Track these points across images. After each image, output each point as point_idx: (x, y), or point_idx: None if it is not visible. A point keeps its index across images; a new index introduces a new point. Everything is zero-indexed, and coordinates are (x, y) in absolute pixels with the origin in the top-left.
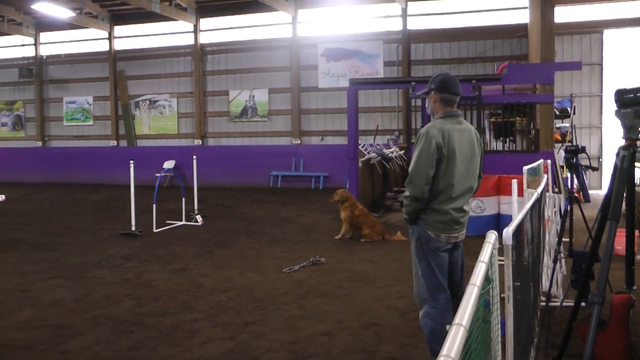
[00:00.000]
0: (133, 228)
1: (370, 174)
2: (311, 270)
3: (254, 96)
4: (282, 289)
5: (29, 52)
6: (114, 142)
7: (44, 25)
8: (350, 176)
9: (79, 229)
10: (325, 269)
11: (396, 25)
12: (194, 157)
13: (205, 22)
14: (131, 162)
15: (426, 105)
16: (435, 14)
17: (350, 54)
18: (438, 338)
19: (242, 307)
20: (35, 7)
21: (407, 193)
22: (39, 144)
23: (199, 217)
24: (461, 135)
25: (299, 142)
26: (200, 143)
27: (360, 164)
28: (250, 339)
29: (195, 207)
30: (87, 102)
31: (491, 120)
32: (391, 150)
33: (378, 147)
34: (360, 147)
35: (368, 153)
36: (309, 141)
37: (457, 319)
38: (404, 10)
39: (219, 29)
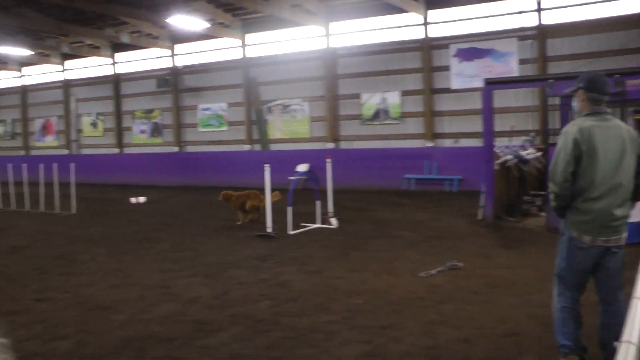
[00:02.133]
0: (269, 230)
1: (506, 177)
2: (448, 274)
3: (385, 99)
4: (419, 293)
5: (166, 63)
6: (247, 147)
7: (178, 37)
8: (485, 179)
9: (215, 229)
10: (462, 274)
11: (530, 21)
12: (328, 160)
13: (335, 26)
14: (266, 166)
15: (572, 104)
16: (572, 5)
17: (483, 53)
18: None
19: (379, 310)
20: (170, 20)
21: (549, 190)
22: (176, 149)
23: (333, 220)
24: (605, 132)
25: (432, 144)
26: (333, 146)
27: (496, 167)
28: (387, 342)
29: (330, 210)
30: (222, 109)
31: (635, 117)
32: (527, 152)
33: (514, 148)
34: (495, 149)
35: (504, 155)
36: (442, 143)
37: (625, 336)
38: (539, 3)
39: (349, 33)
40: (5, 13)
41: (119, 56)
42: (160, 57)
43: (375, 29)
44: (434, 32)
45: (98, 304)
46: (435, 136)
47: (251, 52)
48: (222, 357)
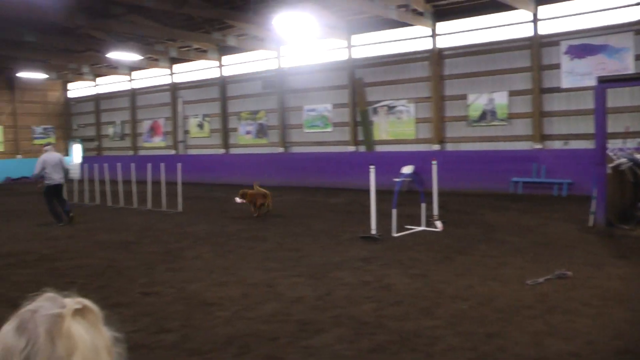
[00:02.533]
0: (373, 232)
1: (619, 181)
2: (556, 283)
3: (493, 99)
4: (526, 302)
5: (272, 64)
6: (352, 148)
7: (284, 39)
8: (597, 184)
9: (319, 230)
10: (572, 284)
11: None
12: (434, 162)
13: (442, 26)
14: (371, 167)
15: None
16: None
17: (596, 49)
18: None
19: (484, 318)
20: (276, 23)
21: None
22: (281, 150)
23: (438, 223)
24: None
25: (541, 146)
26: (439, 148)
27: (608, 171)
28: (493, 351)
29: (435, 212)
30: (327, 110)
31: None
32: None
33: (628, 151)
34: (608, 151)
35: (617, 158)
36: (551, 145)
37: None
38: None
39: (456, 32)
40: (116, 21)
41: (225, 59)
42: (266, 59)
43: (482, 28)
44: (544, 28)
45: (203, 300)
46: (544, 138)
47: (357, 53)
48: (325, 358)
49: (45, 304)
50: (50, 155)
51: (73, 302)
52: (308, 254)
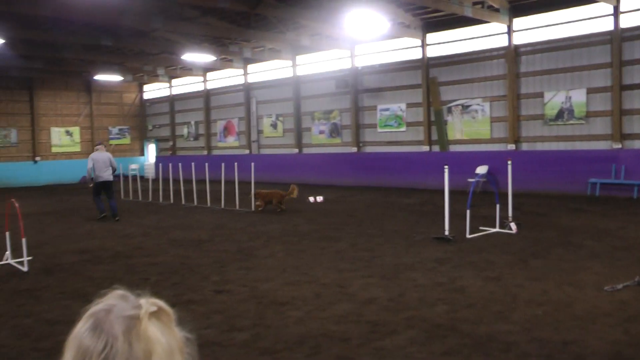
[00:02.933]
0: (446, 233)
1: None
2: (636, 290)
3: (570, 97)
4: (604, 309)
5: (346, 64)
6: (426, 148)
7: (358, 38)
8: None
9: (392, 231)
10: None
11: None
12: (509, 162)
13: (518, 22)
14: (445, 167)
15: None
16: None
17: None
18: None
19: (560, 324)
20: (350, 22)
21: None
22: (354, 149)
23: (512, 225)
24: None
25: (620, 146)
26: (514, 148)
27: None
28: None
29: (509, 214)
30: (400, 109)
31: None
32: None
33: None
34: None
35: None
36: (632, 145)
37: None
38: None
39: (532, 28)
40: (191, 23)
41: (299, 59)
42: (340, 58)
43: (560, 23)
44: (626, 21)
45: (275, 299)
46: (624, 137)
47: (431, 52)
48: None
49: (119, 304)
50: (100, 154)
51: (148, 303)
52: (381, 254)
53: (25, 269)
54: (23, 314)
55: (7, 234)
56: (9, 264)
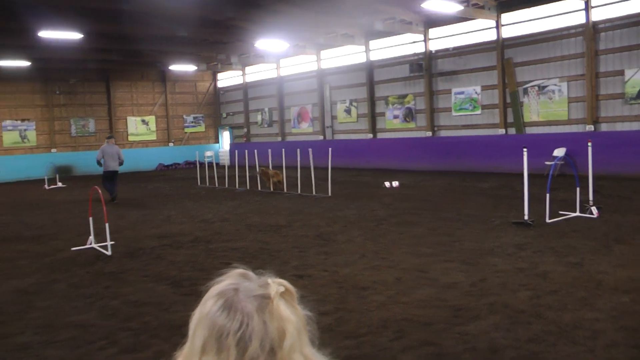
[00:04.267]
0: (525, 217)
1: None
2: None
3: None
4: None
5: (419, 48)
6: (502, 130)
7: (432, 21)
8: None
9: (470, 215)
10: None
11: None
12: (589, 144)
13: None
14: (524, 149)
15: None
16: None
17: None
18: None
19: None
20: (424, 5)
21: None
22: (429, 133)
23: (594, 209)
24: None
25: None
26: (592, 129)
27: None
28: None
29: (590, 197)
30: (475, 92)
31: None
32: None
33: None
34: None
35: None
36: None
37: None
38: None
39: (611, 3)
40: (264, 10)
41: (372, 43)
42: (414, 42)
43: None
44: None
45: (356, 284)
46: None
47: (507, 32)
48: (482, 346)
49: (245, 283)
50: (110, 147)
51: (275, 282)
52: (460, 239)
53: (108, 252)
54: (110, 296)
55: (90, 219)
56: (92, 247)
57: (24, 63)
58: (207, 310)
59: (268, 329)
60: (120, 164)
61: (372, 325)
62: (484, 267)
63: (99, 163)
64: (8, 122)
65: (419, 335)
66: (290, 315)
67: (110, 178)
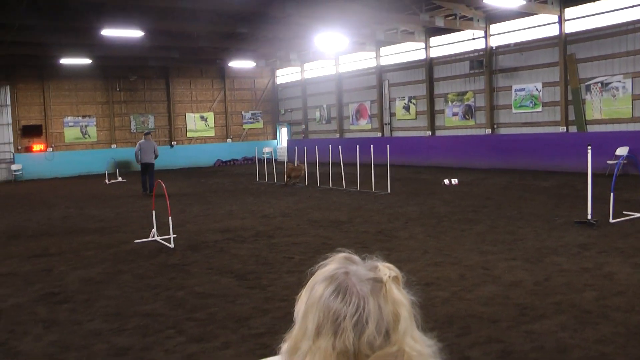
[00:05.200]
0: (589, 217)
1: None
2: None
3: None
4: None
5: (479, 44)
6: (562, 128)
7: (493, 17)
8: None
9: (531, 214)
10: None
11: None
12: None
13: None
14: (589, 147)
15: None
16: None
17: None
18: None
19: None
20: (486, 1)
21: None
22: (488, 131)
23: None
24: None
25: None
26: None
27: None
28: None
29: None
30: (536, 89)
31: None
32: None
33: None
34: None
35: None
36: None
37: None
38: None
39: None
40: (324, 7)
41: (432, 40)
42: (474, 38)
43: None
44: None
45: (419, 280)
46: None
47: (570, 27)
48: (549, 345)
49: (353, 267)
50: (146, 143)
51: (384, 266)
52: (522, 237)
53: (171, 245)
54: (175, 287)
55: (153, 212)
56: (155, 240)
57: (86, 61)
58: (319, 294)
59: (383, 312)
60: (155, 157)
61: (438, 320)
62: (547, 266)
63: (136, 156)
64: (70, 118)
65: (486, 332)
66: (402, 299)
67: (146, 170)
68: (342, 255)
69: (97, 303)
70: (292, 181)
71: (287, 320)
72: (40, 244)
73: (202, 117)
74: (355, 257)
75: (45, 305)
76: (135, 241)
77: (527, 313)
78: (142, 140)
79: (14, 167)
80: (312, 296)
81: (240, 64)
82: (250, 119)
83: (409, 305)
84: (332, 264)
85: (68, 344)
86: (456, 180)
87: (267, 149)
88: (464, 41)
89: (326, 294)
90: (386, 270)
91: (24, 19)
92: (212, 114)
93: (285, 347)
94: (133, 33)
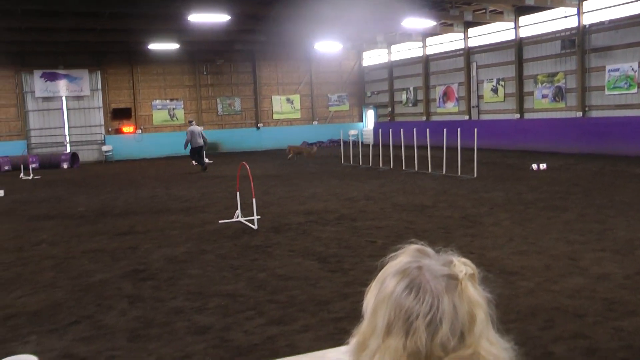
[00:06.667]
0: None
1: None
2: None
3: None
4: None
5: (571, 22)
6: None
7: None
8: None
9: (623, 202)
10: None
11: None
12: None
13: None
14: None
15: None
16: None
17: None
18: None
19: None
20: None
21: None
22: (579, 114)
23: None
24: None
25: None
26: None
27: None
28: None
29: None
30: (632, 69)
31: None
32: None
33: None
34: None
35: None
36: None
37: None
38: None
39: None
40: None
41: (522, 19)
42: (566, 16)
43: None
44: None
45: (503, 268)
46: None
47: None
48: (638, 344)
49: (427, 261)
50: (194, 128)
51: (460, 262)
52: (612, 227)
53: (255, 226)
54: (257, 268)
55: (238, 193)
56: (239, 221)
57: (174, 46)
58: (390, 289)
59: (458, 313)
60: (205, 144)
61: (521, 312)
62: (639, 258)
63: (187, 143)
64: (158, 101)
65: (571, 327)
66: (479, 298)
67: (197, 152)
68: (414, 247)
69: (180, 281)
70: (294, 157)
71: None
72: (127, 222)
73: (288, 100)
74: (429, 250)
75: (131, 281)
76: (220, 221)
77: (615, 308)
78: (190, 127)
79: (104, 148)
80: (383, 291)
81: (326, 46)
82: (336, 101)
83: (485, 306)
84: (404, 257)
85: (151, 320)
86: (544, 165)
87: (352, 132)
88: (554, 19)
89: (398, 290)
90: (462, 266)
91: (114, 7)
92: (298, 96)
93: (353, 342)
94: (220, 17)
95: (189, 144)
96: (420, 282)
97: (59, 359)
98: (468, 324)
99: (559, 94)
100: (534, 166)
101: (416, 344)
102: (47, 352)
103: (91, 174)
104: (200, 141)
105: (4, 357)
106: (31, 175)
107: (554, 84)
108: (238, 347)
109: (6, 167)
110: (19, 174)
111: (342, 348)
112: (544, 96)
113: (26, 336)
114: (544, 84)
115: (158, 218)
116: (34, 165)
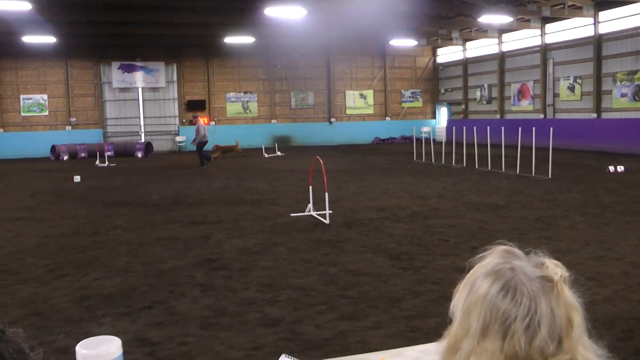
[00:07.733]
0: None
1: None
2: None
3: None
4: None
5: None
6: None
7: None
8: None
9: None
10: None
11: None
12: None
13: None
14: None
15: None
16: None
17: None
18: None
19: None
20: None
21: None
22: None
23: None
24: None
25: None
26: None
27: None
28: None
29: None
30: None
31: None
32: None
33: None
34: None
35: None
36: None
37: None
38: None
39: None
40: None
41: (602, 15)
42: None
43: None
44: None
45: (579, 273)
46: None
47: None
48: None
49: (517, 262)
50: (204, 124)
51: (552, 263)
52: None
53: (326, 221)
54: (328, 263)
55: (310, 187)
56: (311, 215)
57: (249, 39)
58: (483, 291)
59: (556, 316)
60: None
61: (598, 320)
62: None
63: (204, 136)
64: (232, 94)
65: None
66: (575, 302)
67: (203, 147)
68: (503, 247)
69: (252, 272)
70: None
71: (439, 304)
72: (200, 212)
73: (361, 95)
74: (518, 251)
75: (203, 270)
76: (292, 215)
77: None
78: (199, 123)
79: (178, 138)
80: (475, 292)
81: (401, 42)
82: (410, 97)
83: (581, 309)
84: (494, 258)
85: (222, 309)
86: (622, 167)
87: (425, 129)
88: (637, 15)
89: (492, 292)
90: (556, 268)
91: (191, 1)
92: (371, 91)
93: (444, 344)
94: (295, 12)
95: (202, 138)
96: (516, 284)
97: (132, 342)
98: (565, 328)
99: (639, 93)
100: (611, 168)
101: (514, 348)
102: (120, 335)
103: (165, 163)
104: (208, 137)
105: (81, 337)
106: (106, 162)
107: (634, 82)
108: (310, 340)
109: (83, 154)
110: (95, 161)
111: (420, 347)
112: (622, 95)
113: (101, 318)
114: (623, 82)
115: (230, 209)
116: (109, 153)
